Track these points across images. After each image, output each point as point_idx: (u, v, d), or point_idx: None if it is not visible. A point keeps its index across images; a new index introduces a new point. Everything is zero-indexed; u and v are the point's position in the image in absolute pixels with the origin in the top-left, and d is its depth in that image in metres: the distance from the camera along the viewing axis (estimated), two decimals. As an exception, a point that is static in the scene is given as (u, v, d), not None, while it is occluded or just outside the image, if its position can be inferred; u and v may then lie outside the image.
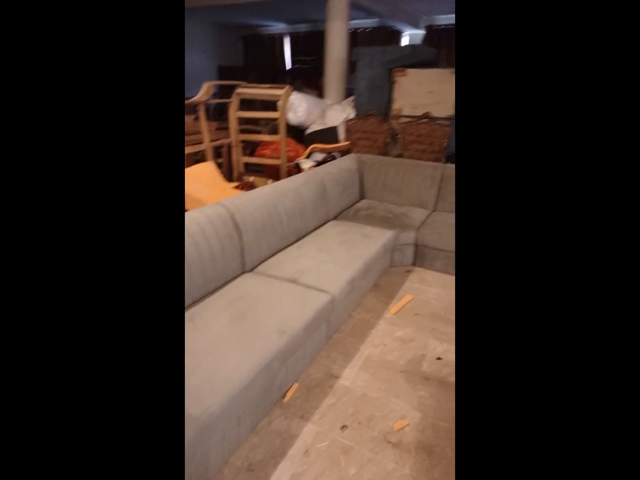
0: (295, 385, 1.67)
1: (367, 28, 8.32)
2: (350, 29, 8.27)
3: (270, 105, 4.74)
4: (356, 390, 1.66)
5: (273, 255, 2.21)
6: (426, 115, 3.93)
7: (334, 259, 2.14)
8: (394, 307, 2.28)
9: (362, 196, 3.37)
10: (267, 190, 2.27)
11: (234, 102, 3.59)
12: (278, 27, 9.12)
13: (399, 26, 7.95)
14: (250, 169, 4.12)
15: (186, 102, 3.78)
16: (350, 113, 4.46)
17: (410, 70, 3.91)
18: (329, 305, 1.81)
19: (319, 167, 2.98)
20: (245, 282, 1.89)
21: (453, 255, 2.62)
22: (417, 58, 3.96)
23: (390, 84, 4.09)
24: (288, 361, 1.57)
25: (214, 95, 4.42)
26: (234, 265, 1.92)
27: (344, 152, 4.18)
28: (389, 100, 4.18)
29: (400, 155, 4.10)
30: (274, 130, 4.51)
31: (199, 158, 3.65)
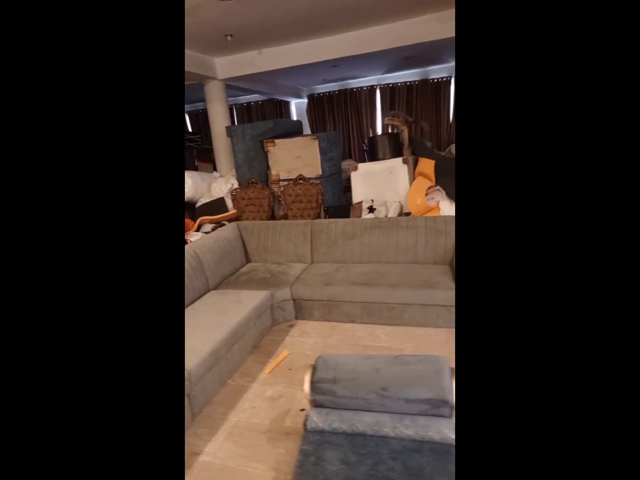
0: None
1: (259, 101, 9.09)
2: (244, 103, 8.96)
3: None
4: (215, 463, 1.66)
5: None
6: (300, 178, 4.32)
7: (197, 332, 2.19)
8: (268, 367, 2.35)
9: (247, 260, 3.51)
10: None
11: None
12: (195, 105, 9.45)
13: (286, 98, 8.84)
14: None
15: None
16: (234, 183, 4.74)
17: (278, 141, 4.35)
18: (186, 382, 1.83)
19: (191, 243, 3.09)
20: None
21: (325, 302, 2.82)
22: (281, 129, 4.44)
23: (264, 153, 4.48)
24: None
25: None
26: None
27: (233, 219, 4.37)
28: (267, 168, 4.55)
29: (285, 216, 4.39)
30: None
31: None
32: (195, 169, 6.25)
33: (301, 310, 2.92)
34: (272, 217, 4.51)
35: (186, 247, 2.88)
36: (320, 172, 4.28)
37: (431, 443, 1.22)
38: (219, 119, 5.40)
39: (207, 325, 2.27)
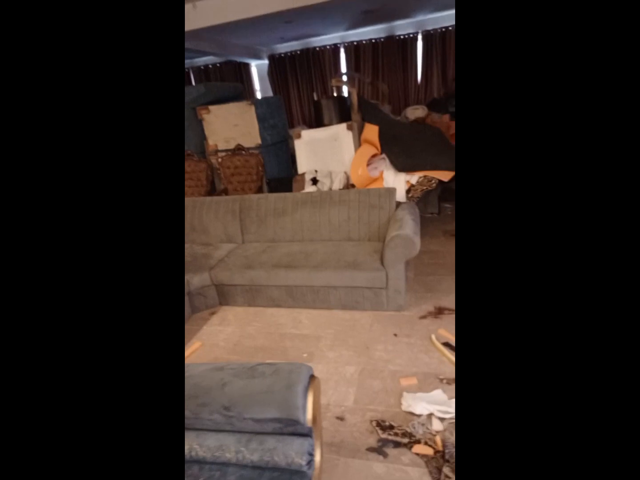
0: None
1: (217, 63, 8.43)
2: (201, 66, 8.30)
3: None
4: None
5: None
6: (239, 147, 3.97)
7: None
8: (173, 362, 2.15)
9: (176, 241, 3.24)
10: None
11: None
12: None
13: (245, 60, 8.20)
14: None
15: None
16: (169, 155, 4.37)
17: (212, 107, 3.95)
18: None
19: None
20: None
21: (248, 287, 2.60)
22: (216, 94, 4.03)
23: (199, 122, 4.09)
24: None
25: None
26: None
27: (170, 195, 4.04)
28: (204, 138, 4.18)
29: (225, 190, 4.08)
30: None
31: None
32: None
33: (224, 296, 2.70)
34: (213, 191, 4.19)
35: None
36: (259, 141, 3.93)
37: (273, 470, 1.04)
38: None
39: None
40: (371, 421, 1.53)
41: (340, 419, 1.59)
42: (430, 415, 1.51)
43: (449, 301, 2.42)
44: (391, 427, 1.47)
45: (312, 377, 1.16)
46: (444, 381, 1.73)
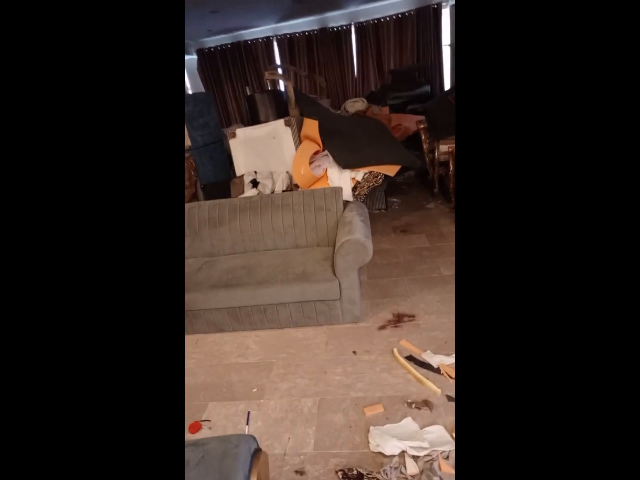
0: None
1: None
2: None
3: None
4: None
5: None
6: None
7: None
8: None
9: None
10: None
11: None
12: None
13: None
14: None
15: None
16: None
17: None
18: None
19: None
20: None
21: (186, 312, 2.26)
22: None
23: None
24: None
25: None
26: None
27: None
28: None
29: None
30: None
31: None
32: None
33: (157, 324, 2.32)
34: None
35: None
36: (189, 143, 3.53)
37: None
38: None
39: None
40: (336, 471, 1.30)
41: (300, 472, 1.33)
42: (403, 453, 1.31)
43: (408, 306, 2.26)
44: (360, 476, 1.25)
45: (256, 454, 0.89)
46: (413, 405, 1.54)
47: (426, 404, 1.54)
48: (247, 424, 1.60)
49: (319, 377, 1.80)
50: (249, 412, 1.66)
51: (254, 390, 1.78)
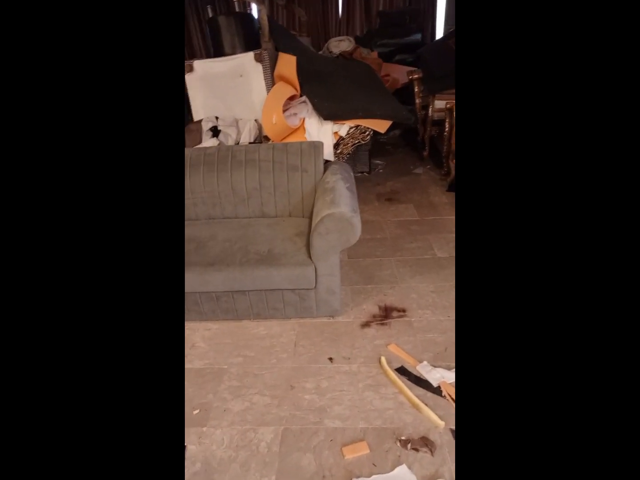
0: None
1: None
2: None
3: None
4: None
5: None
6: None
7: None
8: None
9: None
10: None
11: None
12: None
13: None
14: None
15: None
16: None
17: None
18: None
19: None
20: None
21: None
22: None
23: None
24: None
25: None
26: None
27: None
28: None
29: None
30: None
31: None
32: None
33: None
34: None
35: None
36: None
37: None
38: None
39: None
40: None
41: None
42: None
43: (396, 296, 1.85)
44: None
45: None
46: (408, 446, 1.15)
47: (426, 443, 1.16)
48: (183, 464, 1.17)
49: (283, 394, 1.38)
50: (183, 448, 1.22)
51: (196, 412, 1.34)
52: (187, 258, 1.68)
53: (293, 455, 1.17)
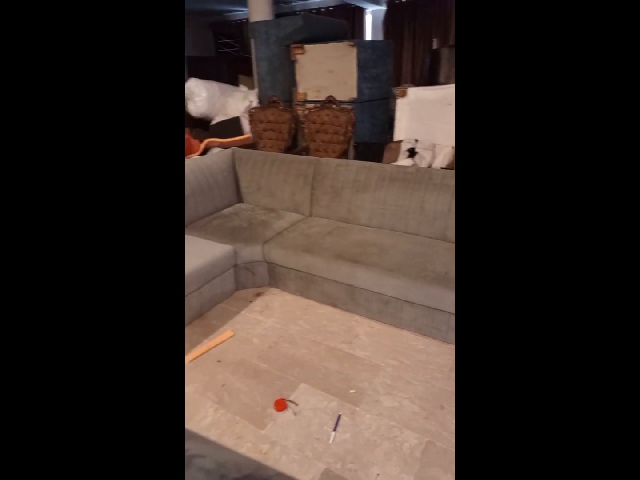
0: None
1: (331, 7, 7.67)
2: (313, 9, 7.59)
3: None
4: None
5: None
6: (330, 100, 3.35)
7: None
8: (193, 352, 1.77)
9: (239, 199, 2.84)
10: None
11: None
12: (244, 11, 8.38)
13: (361, 4, 7.28)
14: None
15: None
16: (253, 101, 3.91)
17: (308, 47, 3.33)
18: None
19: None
20: None
21: (303, 274, 2.10)
22: (316, 30, 3.36)
23: (291, 63, 3.51)
24: None
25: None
26: None
27: (247, 146, 3.64)
28: (294, 83, 3.61)
29: (305, 149, 3.55)
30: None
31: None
32: (233, 81, 5.44)
33: (275, 277, 2.24)
34: (293, 148, 3.68)
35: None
36: (355, 95, 3.25)
37: None
38: (258, 18, 4.41)
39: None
40: None
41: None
42: None
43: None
44: None
45: None
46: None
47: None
48: (335, 429, 1.36)
49: (432, 410, 1.43)
50: (339, 416, 1.41)
51: (352, 391, 1.52)
52: (369, 259, 1.90)
53: (433, 469, 1.21)
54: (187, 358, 1.73)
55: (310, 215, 2.56)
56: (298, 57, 3.44)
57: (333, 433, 1.35)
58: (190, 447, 0.73)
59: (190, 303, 1.94)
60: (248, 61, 5.32)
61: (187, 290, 1.88)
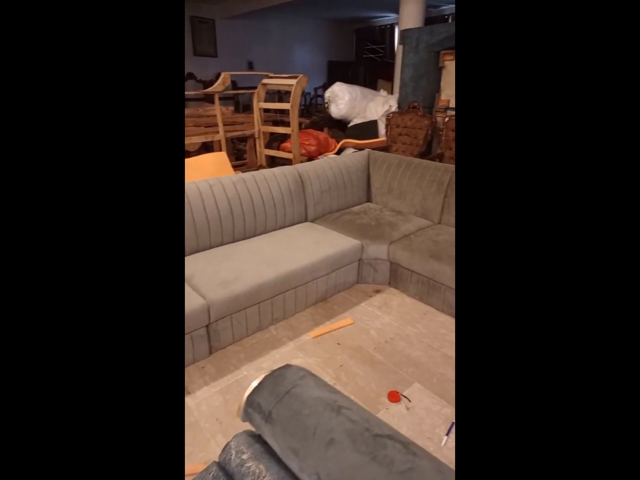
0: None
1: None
2: (445, 15, 7.37)
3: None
4: (192, 412, 1.46)
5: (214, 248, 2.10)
6: (474, 108, 3.24)
7: (247, 263, 1.92)
8: (317, 330, 1.94)
9: (368, 198, 2.98)
10: (229, 181, 2.18)
11: (258, 93, 3.56)
12: (390, 17, 8.64)
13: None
14: (278, 162, 4.07)
15: (203, 92, 3.92)
16: (393, 105, 3.98)
17: (459, 53, 3.26)
18: (203, 315, 1.63)
19: (304, 163, 2.73)
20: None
21: (426, 279, 2.10)
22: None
23: (437, 70, 3.48)
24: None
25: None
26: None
27: (381, 148, 3.77)
28: (437, 90, 3.58)
29: (440, 156, 3.50)
30: (315, 124, 4.34)
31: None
32: (372, 86, 5.63)
33: (396, 277, 2.30)
34: (427, 154, 3.66)
35: (291, 166, 2.56)
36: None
37: None
38: (409, 26, 4.49)
39: (262, 259, 1.97)
40: None
41: None
42: None
43: None
44: None
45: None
46: None
47: None
48: (447, 434, 1.36)
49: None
50: (453, 423, 1.40)
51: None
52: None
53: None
54: (311, 334, 1.91)
55: (439, 223, 2.53)
56: (447, 63, 3.40)
57: (446, 437, 1.35)
58: (337, 399, 0.84)
59: (318, 286, 2.13)
60: (389, 66, 5.44)
61: (316, 275, 2.06)
